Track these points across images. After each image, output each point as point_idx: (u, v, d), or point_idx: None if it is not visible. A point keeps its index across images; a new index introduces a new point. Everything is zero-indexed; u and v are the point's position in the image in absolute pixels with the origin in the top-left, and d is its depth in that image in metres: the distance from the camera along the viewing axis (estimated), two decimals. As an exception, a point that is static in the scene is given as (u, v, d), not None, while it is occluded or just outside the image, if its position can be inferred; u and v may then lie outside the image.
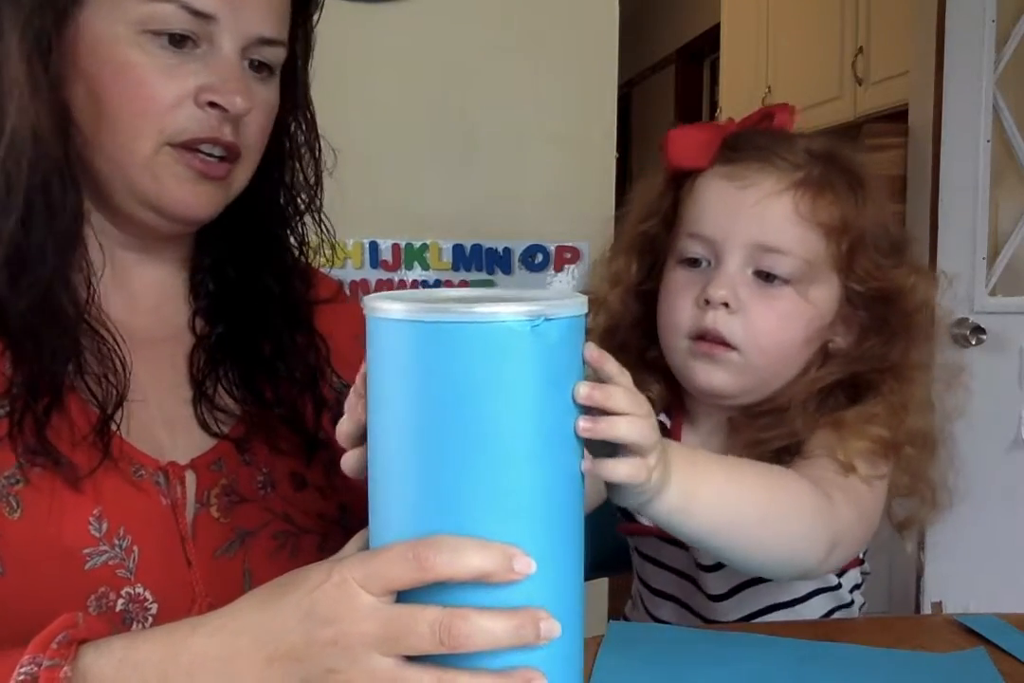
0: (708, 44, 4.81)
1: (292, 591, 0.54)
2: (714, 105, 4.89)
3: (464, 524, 0.52)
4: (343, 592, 0.52)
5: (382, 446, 0.55)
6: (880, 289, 0.93)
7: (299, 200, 0.88)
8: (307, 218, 0.90)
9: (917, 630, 0.82)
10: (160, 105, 0.75)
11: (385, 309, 0.52)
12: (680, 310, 0.93)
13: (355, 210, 2.07)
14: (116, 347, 0.77)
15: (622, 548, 1.10)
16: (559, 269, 2.18)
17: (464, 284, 2.17)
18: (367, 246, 2.13)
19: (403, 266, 2.15)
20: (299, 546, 0.80)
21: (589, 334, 0.96)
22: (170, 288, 0.86)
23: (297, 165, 0.88)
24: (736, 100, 4.13)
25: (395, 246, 2.14)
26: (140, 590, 0.73)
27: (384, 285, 2.14)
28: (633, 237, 1.02)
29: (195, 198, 0.78)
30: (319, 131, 0.90)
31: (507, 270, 2.17)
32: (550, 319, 0.52)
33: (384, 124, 2.09)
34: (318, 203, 0.90)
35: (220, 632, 0.56)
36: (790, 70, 3.57)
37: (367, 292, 2.13)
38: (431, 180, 2.12)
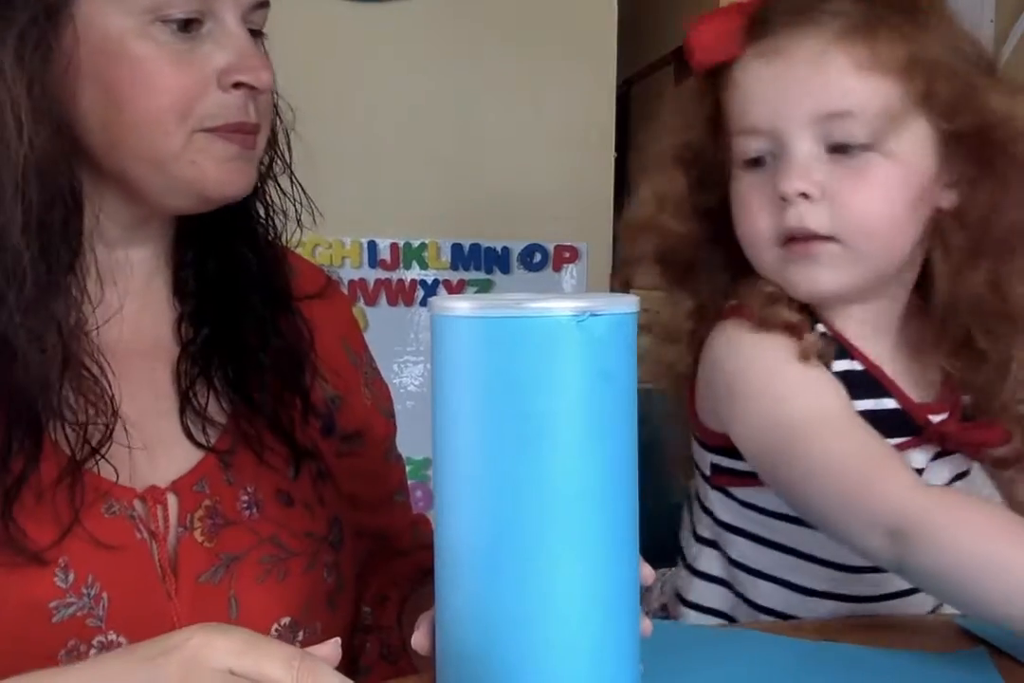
0: (706, 44, 4.82)
1: (147, 645, 0.54)
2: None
3: (514, 506, 0.56)
4: (202, 653, 0.52)
5: (443, 440, 0.58)
6: (973, 120, 0.80)
7: (265, 166, 0.82)
8: (291, 207, 0.84)
9: (917, 630, 0.82)
10: (182, 96, 0.71)
11: (450, 308, 0.56)
12: (756, 217, 0.83)
13: (354, 209, 2.08)
14: (107, 387, 0.73)
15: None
16: (558, 269, 2.18)
17: (462, 284, 2.17)
18: (365, 245, 2.13)
19: (401, 265, 2.15)
20: (287, 570, 0.78)
21: (637, 263, 0.87)
22: (151, 293, 0.82)
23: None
24: (734, 100, 4.12)
25: (393, 245, 2.14)
26: (113, 637, 0.70)
27: (382, 284, 2.14)
28: (672, 150, 0.89)
29: (235, 174, 0.75)
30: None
31: (506, 270, 2.17)
32: (596, 314, 0.54)
33: (383, 123, 2.09)
34: (284, 165, 0.84)
35: (75, 677, 0.55)
36: (789, 70, 3.57)
37: (365, 292, 2.13)
38: (430, 180, 2.12)
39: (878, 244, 0.82)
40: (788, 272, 0.83)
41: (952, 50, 0.82)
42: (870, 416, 0.80)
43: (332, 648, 0.56)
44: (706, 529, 0.95)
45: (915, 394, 0.88)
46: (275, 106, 0.81)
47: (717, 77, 0.86)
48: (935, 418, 0.87)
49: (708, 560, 0.95)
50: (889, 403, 0.86)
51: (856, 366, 0.85)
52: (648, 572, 0.64)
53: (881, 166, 0.80)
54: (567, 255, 2.18)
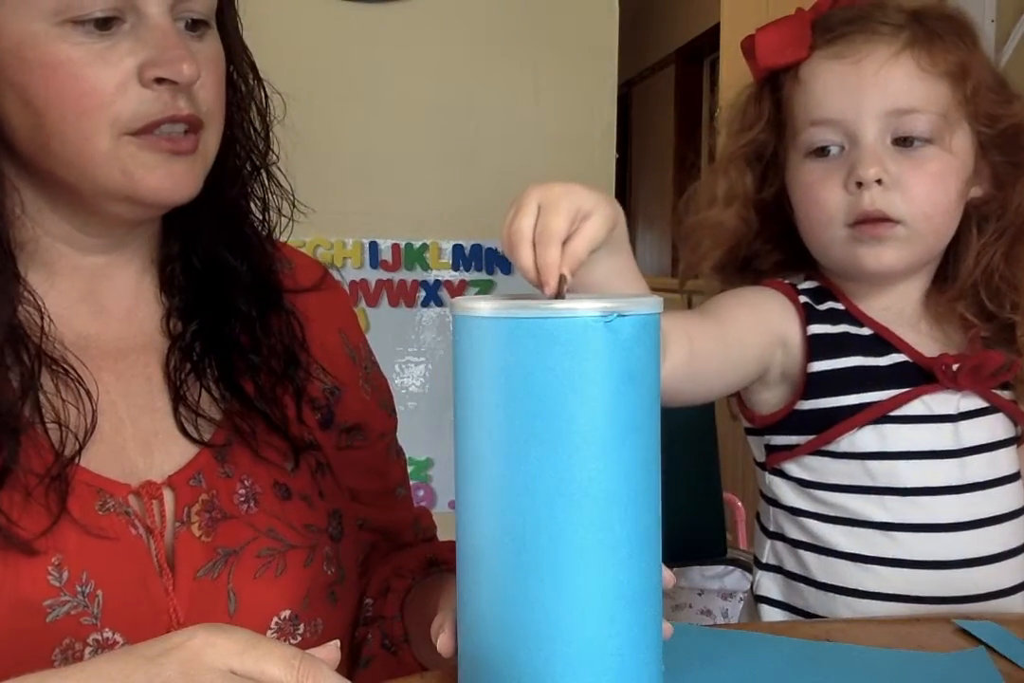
0: (708, 44, 4.81)
1: (148, 645, 0.54)
2: (714, 105, 4.89)
3: (540, 507, 0.55)
4: (204, 652, 0.52)
5: (466, 441, 0.58)
6: (1008, 127, 0.95)
7: (253, 157, 0.82)
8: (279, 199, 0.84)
9: (917, 630, 0.82)
10: (103, 96, 0.69)
11: (474, 308, 0.56)
12: (829, 200, 0.92)
13: (355, 210, 2.08)
14: (80, 381, 0.72)
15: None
16: (559, 269, 2.18)
17: (464, 285, 2.17)
18: (367, 246, 2.13)
19: (403, 266, 2.15)
20: (285, 563, 0.77)
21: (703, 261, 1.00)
22: (141, 290, 0.81)
23: (244, 118, 0.81)
24: (736, 100, 4.12)
25: (395, 246, 2.14)
26: (109, 634, 0.70)
27: (384, 285, 2.14)
28: (738, 148, 1.00)
29: (171, 180, 0.72)
30: (262, 76, 0.82)
31: (506, 270, 2.17)
32: (624, 315, 0.55)
33: (384, 124, 2.09)
34: (273, 158, 0.83)
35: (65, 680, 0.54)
36: (790, 70, 3.56)
37: (367, 292, 2.13)
38: (431, 180, 2.12)
39: (935, 227, 0.93)
40: (856, 250, 0.93)
41: (987, 67, 0.96)
42: (882, 369, 0.95)
43: (332, 650, 0.56)
44: (771, 521, 1.01)
45: (935, 352, 0.96)
46: (246, 100, 0.80)
47: (777, 79, 0.98)
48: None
49: (777, 553, 1.01)
50: (899, 358, 0.96)
51: (864, 331, 0.97)
52: (668, 575, 0.64)
53: (940, 159, 0.92)
54: (568, 255, 2.17)
